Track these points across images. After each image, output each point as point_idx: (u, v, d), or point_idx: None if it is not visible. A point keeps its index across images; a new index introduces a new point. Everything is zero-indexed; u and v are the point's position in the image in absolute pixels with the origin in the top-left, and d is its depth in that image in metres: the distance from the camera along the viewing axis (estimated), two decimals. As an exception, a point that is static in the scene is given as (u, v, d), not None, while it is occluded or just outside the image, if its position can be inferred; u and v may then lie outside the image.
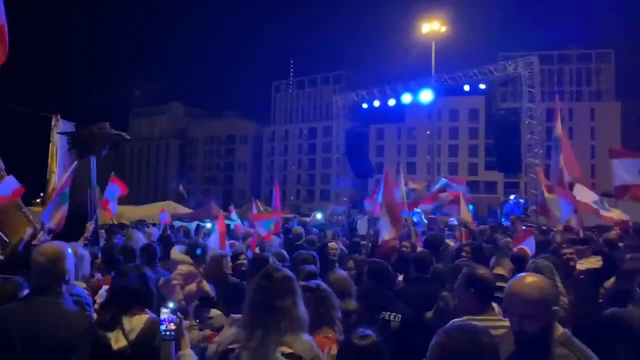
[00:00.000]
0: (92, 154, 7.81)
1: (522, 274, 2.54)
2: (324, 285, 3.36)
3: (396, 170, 12.90)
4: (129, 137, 9.45)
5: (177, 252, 6.24)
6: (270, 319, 2.62)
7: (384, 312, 4.14)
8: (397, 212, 9.04)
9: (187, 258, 5.33)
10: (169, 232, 12.01)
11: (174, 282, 5.05)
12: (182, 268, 5.21)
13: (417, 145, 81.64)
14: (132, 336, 2.75)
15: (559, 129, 7.51)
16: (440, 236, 9.05)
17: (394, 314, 4.13)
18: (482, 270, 3.35)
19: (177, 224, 15.42)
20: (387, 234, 8.57)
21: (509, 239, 8.78)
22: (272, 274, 2.80)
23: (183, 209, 21.47)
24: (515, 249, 6.94)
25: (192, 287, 5.04)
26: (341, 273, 4.26)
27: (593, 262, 6.09)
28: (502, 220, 17.97)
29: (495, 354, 1.87)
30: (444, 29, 33.40)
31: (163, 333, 2.64)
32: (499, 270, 5.07)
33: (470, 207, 21.86)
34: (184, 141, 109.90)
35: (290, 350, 2.53)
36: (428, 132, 69.60)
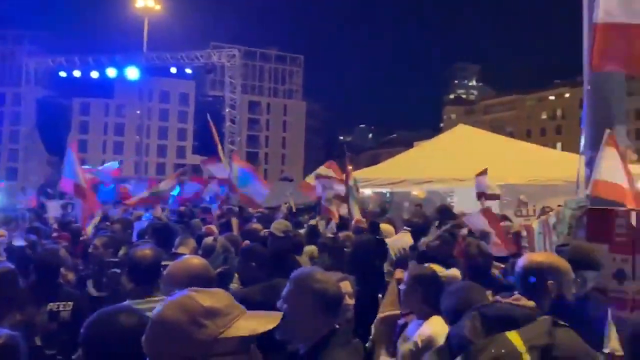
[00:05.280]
0: None
1: (185, 256, 2.66)
2: None
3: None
4: None
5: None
6: None
7: (51, 304, 3.84)
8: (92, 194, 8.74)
9: None
10: None
11: None
12: None
13: (126, 124, 77.96)
14: None
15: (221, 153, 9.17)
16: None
17: (63, 303, 3.87)
18: (141, 252, 3.20)
19: None
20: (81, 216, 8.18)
21: (198, 220, 9.43)
22: None
23: None
24: (204, 229, 7.60)
25: None
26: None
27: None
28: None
29: (136, 330, 1.79)
30: (158, 7, 32.71)
31: None
32: (182, 250, 5.03)
33: (177, 189, 22.24)
34: None
35: None
36: (138, 112, 67.02)
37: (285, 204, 12.30)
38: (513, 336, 1.73)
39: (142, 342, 1.36)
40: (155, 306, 2.85)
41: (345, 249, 4.60)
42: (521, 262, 2.37)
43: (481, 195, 8.08)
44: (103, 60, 24.46)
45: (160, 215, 9.86)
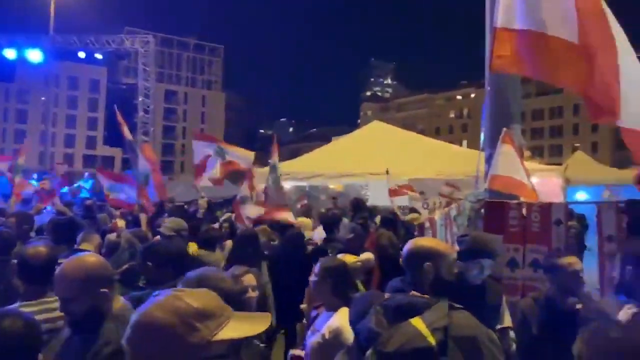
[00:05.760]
0: None
1: (79, 254, 2.47)
2: None
3: None
4: None
5: None
6: None
7: None
8: None
9: None
10: None
11: None
12: None
13: (30, 111, 72.14)
14: None
15: (127, 133, 8.80)
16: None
17: None
18: (33, 250, 2.99)
19: None
20: None
21: (104, 214, 9.01)
22: None
23: None
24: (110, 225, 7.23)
25: None
26: None
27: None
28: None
29: (21, 336, 1.77)
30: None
31: None
32: (85, 246, 4.71)
33: (90, 182, 21.00)
34: None
35: None
36: (43, 98, 62.32)
37: (202, 197, 11.99)
38: (416, 322, 1.86)
39: (124, 345, 1.25)
40: (48, 307, 2.71)
41: (256, 240, 4.59)
42: (406, 246, 2.52)
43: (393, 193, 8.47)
44: (0, 40, 22.48)
45: (63, 208, 9.24)
